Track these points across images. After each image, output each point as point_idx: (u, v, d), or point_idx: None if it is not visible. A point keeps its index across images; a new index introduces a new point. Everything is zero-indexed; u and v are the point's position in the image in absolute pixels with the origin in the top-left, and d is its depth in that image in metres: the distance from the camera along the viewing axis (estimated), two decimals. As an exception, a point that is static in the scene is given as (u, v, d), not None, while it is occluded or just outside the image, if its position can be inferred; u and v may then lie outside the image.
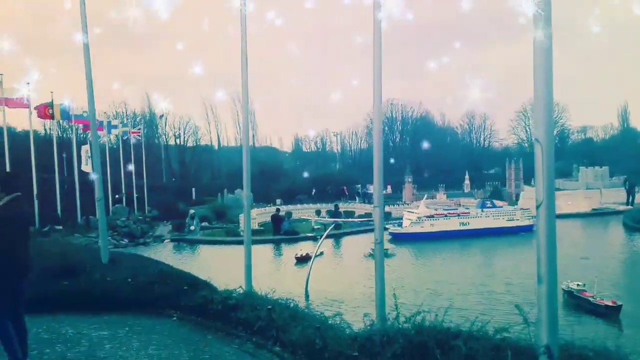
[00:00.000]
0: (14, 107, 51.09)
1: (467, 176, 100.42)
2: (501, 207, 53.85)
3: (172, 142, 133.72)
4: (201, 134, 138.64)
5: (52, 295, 17.13)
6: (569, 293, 26.99)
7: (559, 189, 77.76)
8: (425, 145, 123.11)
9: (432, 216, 49.16)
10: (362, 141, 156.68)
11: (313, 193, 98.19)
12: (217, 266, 36.13)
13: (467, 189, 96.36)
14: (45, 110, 56.91)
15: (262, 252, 46.66)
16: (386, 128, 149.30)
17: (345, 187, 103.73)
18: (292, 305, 15.05)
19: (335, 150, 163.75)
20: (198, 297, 16.39)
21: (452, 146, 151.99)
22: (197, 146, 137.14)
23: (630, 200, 62.11)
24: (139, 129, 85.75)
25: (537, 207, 6.99)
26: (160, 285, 17.84)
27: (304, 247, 45.52)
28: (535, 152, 6.54)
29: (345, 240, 49.44)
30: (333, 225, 36.59)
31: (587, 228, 56.13)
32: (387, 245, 44.65)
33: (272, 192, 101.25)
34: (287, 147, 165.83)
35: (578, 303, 26.85)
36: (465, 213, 50.21)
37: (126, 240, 55.62)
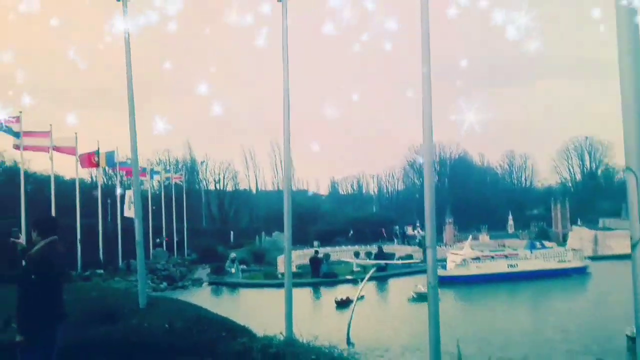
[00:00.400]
0: (63, 153, 52.85)
1: (510, 216, 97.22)
2: (551, 247, 51.30)
3: (212, 186, 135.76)
4: (240, 179, 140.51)
5: (88, 342, 16.61)
6: (633, 340, 24.76)
7: (609, 229, 74.02)
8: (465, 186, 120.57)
9: (478, 258, 47.09)
10: (399, 182, 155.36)
11: (350, 234, 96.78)
12: (256, 310, 35.22)
13: (510, 230, 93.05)
14: (91, 159, 58.59)
15: (301, 295, 45.48)
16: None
17: (383, 229, 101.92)
18: (336, 353, 14.05)
19: (372, 193, 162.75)
20: (237, 344, 15.53)
21: (492, 186, 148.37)
22: (236, 190, 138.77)
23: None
24: (181, 175, 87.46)
25: (633, 246, 5.97)
26: (198, 332, 17.17)
27: (343, 291, 44.15)
28: (627, 184, 5.57)
29: (388, 283, 47.84)
30: (375, 268, 35.17)
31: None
32: (425, 287, 42.99)
33: (309, 234, 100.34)
34: (323, 190, 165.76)
35: (646, 351, 24.60)
36: (514, 254, 47.91)
37: (165, 284, 55.54)
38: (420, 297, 41.67)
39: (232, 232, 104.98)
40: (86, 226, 57.61)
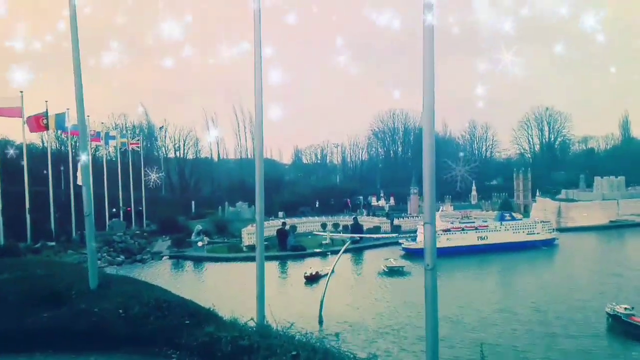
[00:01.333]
0: (7, 116, 48.47)
1: (474, 187, 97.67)
2: (520, 219, 51.13)
3: (171, 154, 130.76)
4: (201, 146, 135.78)
5: (30, 329, 14.16)
6: (614, 317, 24.22)
7: (573, 200, 75.14)
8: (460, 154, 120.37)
9: (448, 230, 46.34)
10: (363, 152, 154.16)
11: (317, 205, 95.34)
12: (222, 289, 33.18)
13: (474, 201, 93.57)
14: (39, 121, 54.16)
15: (269, 270, 43.55)
16: (388, 138, 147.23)
17: (348, 199, 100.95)
18: (315, 342, 12.22)
19: (336, 162, 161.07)
20: (203, 334, 13.45)
21: (454, 156, 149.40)
22: (197, 158, 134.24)
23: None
24: (138, 140, 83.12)
25: None
26: (157, 318, 14.92)
27: (312, 264, 42.63)
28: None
29: (358, 256, 46.63)
30: (349, 242, 33.65)
31: (610, 242, 53.02)
32: (401, 261, 41.76)
33: (273, 204, 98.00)
34: (286, 158, 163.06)
35: (626, 329, 24.06)
36: (484, 226, 47.47)
37: (122, 257, 52.72)
38: (391, 271, 40.73)
39: (193, 202, 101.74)
40: (35, 194, 53.75)
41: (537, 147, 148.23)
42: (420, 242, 45.70)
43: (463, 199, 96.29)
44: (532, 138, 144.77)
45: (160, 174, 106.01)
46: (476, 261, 43.51)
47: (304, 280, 36.11)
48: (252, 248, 53.27)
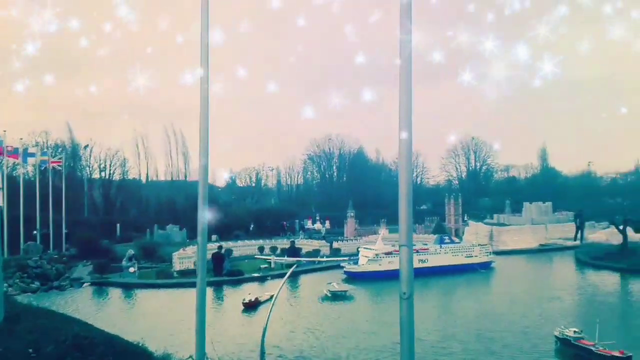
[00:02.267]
0: None
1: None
2: (458, 242, 51.40)
3: (96, 175, 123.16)
4: (129, 167, 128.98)
5: None
6: (563, 341, 23.88)
7: (504, 224, 77.54)
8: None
9: (390, 253, 45.55)
10: (299, 176, 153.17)
11: (251, 228, 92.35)
12: (152, 318, 29.84)
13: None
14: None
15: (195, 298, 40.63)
16: (323, 163, 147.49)
17: (285, 222, 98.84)
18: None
19: (270, 185, 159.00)
20: (134, 381, 11.16)
21: (387, 182, 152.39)
22: (123, 179, 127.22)
23: (579, 236, 61.78)
24: (60, 159, 76.91)
25: None
26: (76, 359, 12.39)
27: (250, 290, 40.11)
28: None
29: (293, 281, 44.35)
30: (295, 265, 31.64)
31: (542, 265, 54.43)
32: (344, 286, 40.21)
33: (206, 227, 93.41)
34: (219, 182, 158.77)
35: (576, 353, 23.76)
36: (424, 249, 47.14)
37: (37, 283, 47.47)
38: (335, 296, 39.02)
39: (118, 225, 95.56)
40: None
41: (464, 175, 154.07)
42: (362, 265, 44.54)
43: (397, 222, 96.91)
44: (459, 166, 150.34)
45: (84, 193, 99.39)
46: (417, 284, 42.79)
47: (243, 307, 33.60)
48: (183, 273, 49.88)
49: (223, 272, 46.97)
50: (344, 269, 43.76)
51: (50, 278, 49.02)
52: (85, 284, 45.58)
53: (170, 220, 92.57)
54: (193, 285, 35.37)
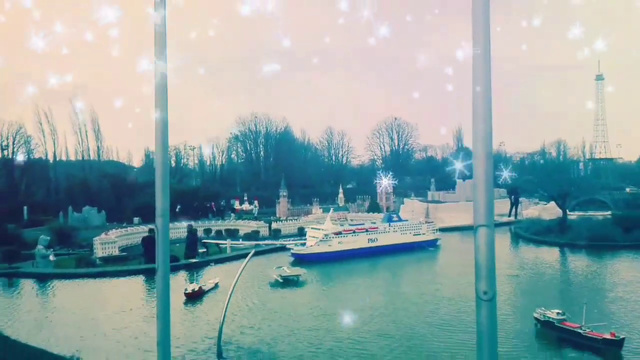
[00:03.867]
0: None
1: (341, 190, 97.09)
2: (406, 220, 49.82)
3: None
4: (33, 145, 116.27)
5: None
6: (545, 323, 22.45)
7: (439, 202, 77.82)
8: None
9: (340, 233, 42.84)
10: (223, 155, 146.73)
11: (177, 209, 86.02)
12: (82, 318, 24.78)
13: (341, 203, 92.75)
14: None
15: (134, 287, 35.47)
16: (249, 141, 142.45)
17: (212, 203, 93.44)
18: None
19: (192, 165, 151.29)
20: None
21: (314, 161, 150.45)
22: (28, 159, 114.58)
23: (514, 212, 62.70)
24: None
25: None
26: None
27: (186, 279, 35.81)
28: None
29: (232, 266, 40.13)
30: (254, 251, 27.67)
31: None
32: (296, 270, 36.94)
33: (126, 210, 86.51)
34: (136, 161, 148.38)
35: (559, 335, 22.41)
36: (374, 228, 44.93)
37: None
38: (286, 281, 35.66)
39: (25, 207, 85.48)
40: None
41: (388, 154, 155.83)
42: (310, 246, 41.47)
43: (330, 201, 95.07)
44: (383, 145, 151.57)
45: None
46: (367, 265, 40.57)
47: (185, 298, 29.41)
48: (106, 260, 44.20)
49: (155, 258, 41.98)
50: (292, 251, 40.53)
51: (-56, 270, 41.40)
52: (-10, 276, 38.74)
53: (86, 202, 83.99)
54: (119, 274, 30.49)
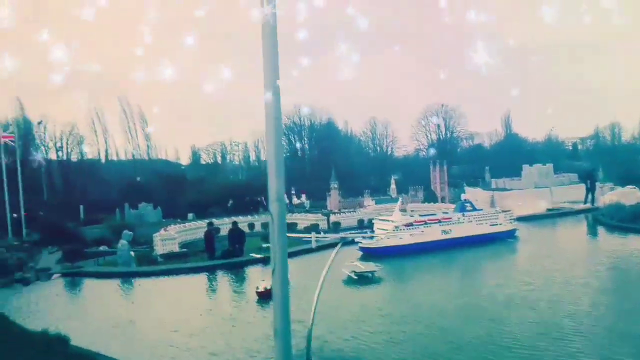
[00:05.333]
0: None
1: (393, 181, 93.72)
2: (481, 209, 46.18)
3: (52, 154, 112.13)
4: (87, 144, 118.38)
5: None
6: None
7: (505, 189, 73.38)
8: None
9: (410, 224, 39.82)
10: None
11: (229, 204, 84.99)
12: (164, 320, 22.48)
13: (394, 194, 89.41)
14: None
15: (198, 285, 33.63)
16: (293, 134, 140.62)
17: (262, 198, 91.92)
18: None
19: (237, 161, 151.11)
20: None
21: (358, 153, 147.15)
22: (82, 159, 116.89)
23: (590, 198, 57.93)
24: (12, 134, 66.67)
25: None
26: None
27: (255, 275, 33.74)
28: None
29: (296, 261, 37.71)
30: (341, 243, 25.06)
31: (562, 230, 48.90)
32: (370, 265, 34.04)
33: (179, 206, 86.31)
34: (184, 159, 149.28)
35: None
36: (447, 219, 41.67)
37: (-4, 277, 39.41)
38: (360, 278, 32.98)
39: (82, 207, 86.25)
40: None
41: (435, 142, 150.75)
42: (379, 239, 38.50)
43: (381, 192, 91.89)
44: (429, 134, 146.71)
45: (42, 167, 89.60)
46: (441, 260, 37.29)
47: (257, 297, 27.21)
48: (168, 257, 42.71)
49: (216, 254, 40.06)
50: (359, 245, 37.73)
51: (11, 269, 40.80)
52: (55, 276, 37.59)
53: (139, 199, 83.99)
54: (182, 272, 28.23)
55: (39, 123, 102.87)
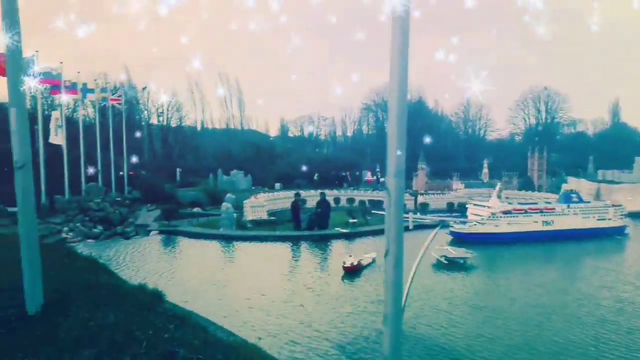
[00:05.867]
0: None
1: (485, 165, 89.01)
2: (589, 201, 42.23)
3: (154, 120, 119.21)
4: (185, 112, 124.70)
5: None
6: None
7: (613, 182, 67.02)
8: (427, 138, 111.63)
9: (509, 212, 37.13)
10: (355, 125, 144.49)
11: (315, 177, 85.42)
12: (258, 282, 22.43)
13: (486, 179, 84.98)
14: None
15: (285, 254, 33.70)
16: (382, 113, 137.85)
17: (348, 173, 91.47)
18: None
19: (323, 136, 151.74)
20: None
21: (447, 134, 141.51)
22: (180, 126, 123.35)
23: None
24: (120, 96, 70.97)
25: None
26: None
27: (338, 249, 33.18)
28: None
29: (375, 241, 36.43)
30: (439, 227, 23.67)
31: None
32: (461, 251, 32.21)
33: (267, 176, 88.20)
34: (272, 131, 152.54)
35: None
36: (549, 209, 38.41)
37: (100, 228, 42.11)
38: (451, 263, 31.34)
39: (178, 170, 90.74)
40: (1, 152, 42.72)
41: (534, 127, 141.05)
42: (472, 225, 36.23)
43: (472, 176, 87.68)
44: (528, 118, 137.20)
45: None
46: (542, 252, 34.33)
47: (343, 271, 26.59)
48: (257, 223, 43.34)
49: (302, 224, 39.93)
50: (450, 229, 35.76)
51: (114, 223, 43.56)
52: (153, 232, 39.52)
53: (231, 167, 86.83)
54: (269, 239, 27.92)
55: (144, 89, 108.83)
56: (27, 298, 8.89)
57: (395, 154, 8.26)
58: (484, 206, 36.99)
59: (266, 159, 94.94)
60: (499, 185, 41.63)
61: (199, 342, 8.63)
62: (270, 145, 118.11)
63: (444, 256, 30.92)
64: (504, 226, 35.12)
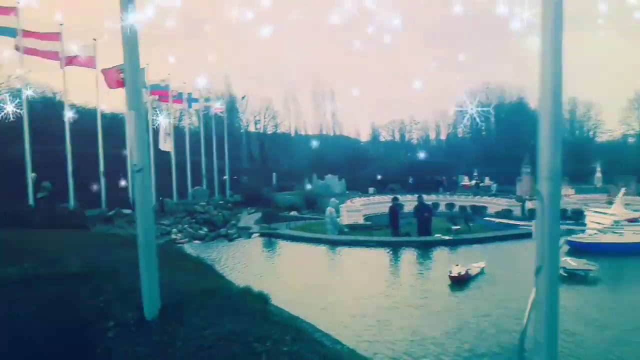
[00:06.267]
0: (78, 65, 40.42)
1: (598, 169, 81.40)
2: None
3: (251, 127, 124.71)
4: (280, 118, 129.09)
5: None
6: None
7: None
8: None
9: (635, 220, 33.08)
10: (449, 129, 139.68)
11: (410, 181, 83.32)
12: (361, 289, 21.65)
13: (599, 184, 77.62)
14: (116, 75, 45.60)
15: (384, 259, 32.60)
16: (477, 114, 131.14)
17: (443, 178, 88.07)
18: None
19: (415, 140, 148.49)
20: None
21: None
22: (275, 132, 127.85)
23: None
24: (222, 105, 74.36)
25: None
26: None
27: (440, 258, 31.32)
28: None
29: (484, 251, 33.81)
30: (567, 236, 21.34)
31: None
32: (581, 263, 29.12)
33: (360, 180, 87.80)
34: (363, 136, 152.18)
35: None
36: None
37: (205, 230, 43.84)
38: (571, 276, 28.41)
39: (274, 174, 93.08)
40: (110, 158, 46.12)
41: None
42: (592, 234, 32.53)
43: (583, 181, 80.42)
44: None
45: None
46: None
47: (450, 281, 24.89)
48: (353, 228, 42.60)
49: (399, 231, 38.50)
50: (567, 239, 32.43)
51: (217, 225, 45.05)
52: (254, 235, 40.26)
53: (324, 171, 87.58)
54: (367, 244, 26.64)
55: (243, 98, 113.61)
56: (145, 302, 8.46)
57: (548, 153, 6.89)
58: (607, 213, 33.00)
59: (358, 163, 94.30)
60: (622, 191, 36.93)
61: (318, 359, 7.72)
62: (363, 150, 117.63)
63: (563, 268, 27.86)
64: (629, 235, 31.01)
